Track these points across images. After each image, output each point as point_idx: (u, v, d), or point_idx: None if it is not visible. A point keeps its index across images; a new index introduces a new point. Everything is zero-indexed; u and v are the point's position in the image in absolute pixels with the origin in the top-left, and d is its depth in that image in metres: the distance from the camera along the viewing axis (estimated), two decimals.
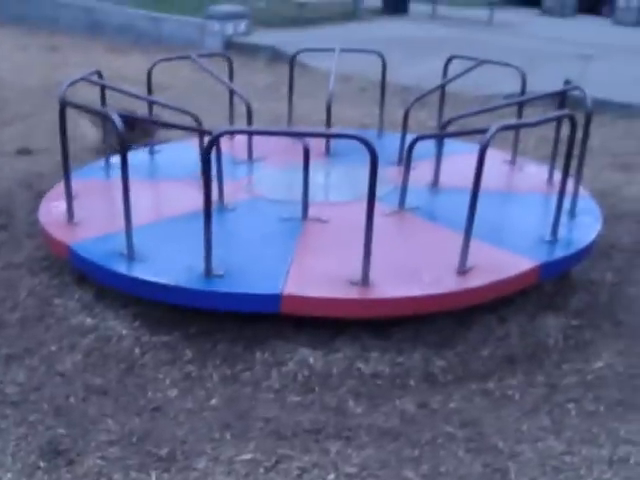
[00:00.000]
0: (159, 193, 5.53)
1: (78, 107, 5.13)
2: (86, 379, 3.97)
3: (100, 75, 5.55)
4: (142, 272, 4.28)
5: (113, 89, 5.76)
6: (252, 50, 12.04)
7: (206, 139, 5.23)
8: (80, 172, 5.59)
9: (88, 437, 3.49)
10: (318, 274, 4.22)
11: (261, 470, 3.29)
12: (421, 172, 5.37)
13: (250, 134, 5.98)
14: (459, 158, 5.65)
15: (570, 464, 3.37)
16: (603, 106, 8.61)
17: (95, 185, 5.54)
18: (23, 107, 9.24)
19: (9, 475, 3.26)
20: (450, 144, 5.64)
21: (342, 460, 3.35)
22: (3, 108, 9.19)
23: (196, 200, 5.19)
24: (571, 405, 3.81)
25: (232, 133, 5.90)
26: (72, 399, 3.80)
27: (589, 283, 5.02)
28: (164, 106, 5.94)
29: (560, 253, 4.52)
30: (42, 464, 3.32)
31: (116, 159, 5.90)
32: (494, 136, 4.12)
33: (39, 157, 7.41)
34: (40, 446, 3.43)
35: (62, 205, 5.03)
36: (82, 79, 5.26)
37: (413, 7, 17.15)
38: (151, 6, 15.19)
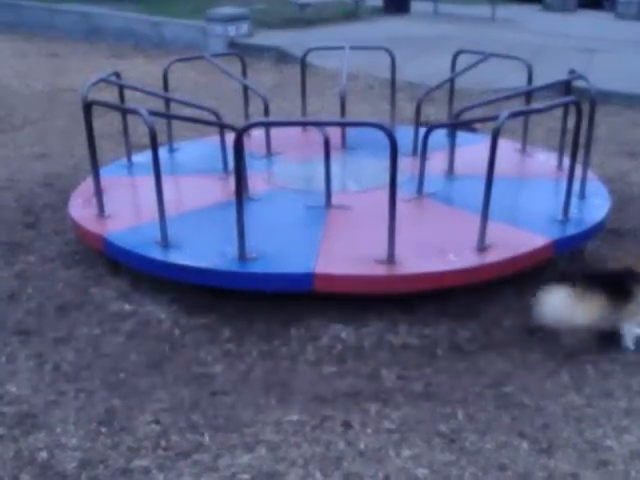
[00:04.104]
0: (182, 187, 5.77)
1: (104, 105, 5.39)
2: (132, 358, 4.22)
3: (119, 76, 5.78)
4: (180, 258, 4.54)
5: (134, 89, 6.01)
6: (256, 51, 12.23)
7: (227, 135, 5.53)
8: (104, 170, 5.78)
9: (142, 406, 3.76)
10: (346, 255, 4.49)
11: (308, 428, 3.57)
12: (435, 162, 5.63)
13: (277, 125, 6.25)
14: (471, 148, 5.95)
15: (591, 415, 3.68)
16: (609, 97, 8.83)
17: (119, 182, 5.79)
18: (31, 112, 9.44)
19: (74, 440, 3.52)
20: (461, 136, 5.90)
21: (382, 418, 3.64)
22: (12, 114, 9.39)
23: (218, 192, 5.51)
24: (589, 366, 4.10)
25: (260, 125, 6.12)
26: (122, 375, 4.05)
27: (601, 261, 5.27)
28: (185, 104, 6.16)
29: (572, 230, 4.81)
30: (103, 430, 3.58)
31: (137, 158, 6.19)
32: (505, 122, 4.38)
33: (55, 159, 7.64)
34: (99, 414, 3.70)
35: (91, 201, 5.27)
36: (102, 80, 5.50)
37: (414, 6, 17.09)
38: (146, 10, 15.28)
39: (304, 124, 6.64)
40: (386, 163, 4.21)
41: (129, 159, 6.23)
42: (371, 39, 11.61)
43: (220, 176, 5.73)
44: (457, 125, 5.53)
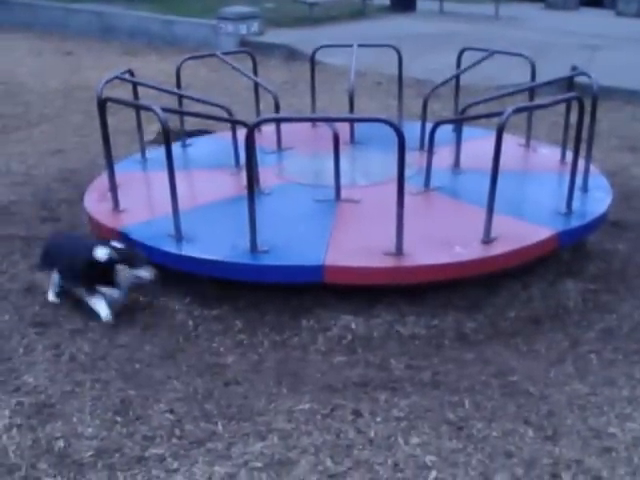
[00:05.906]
0: (194, 182, 5.87)
1: (119, 102, 5.47)
2: (147, 349, 4.32)
3: (132, 74, 5.87)
4: (193, 251, 4.63)
5: (147, 86, 6.09)
6: (267, 49, 12.37)
7: (239, 130, 5.62)
8: (118, 165, 5.85)
9: (157, 396, 3.86)
10: (356, 247, 4.57)
11: (319, 417, 3.66)
12: (441, 156, 5.70)
13: (287, 121, 6.35)
14: (476, 143, 6.02)
15: (594, 403, 3.77)
16: (610, 92, 8.88)
17: (133, 177, 5.87)
18: (47, 109, 9.61)
19: (90, 430, 3.61)
20: (466, 131, 5.96)
21: (391, 406, 3.73)
22: (28, 110, 9.56)
23: (229, 187, 5.59)
24: (592, 355, 4.20)
25: (271, 121, 6.23)
26: (137, 365, 4.15)
27: (603, 253, 5.38)
28: (197, 100, 6.23)
29: (575, 223, 4.90)
30: (119, 419, 3.68)
31: (151, 154, 6.28)
32: (510, 118, 4.46)
33: (71, 155, 7.76)
34: (114, 404, 3.79)
35: (106, 195, 5.37)
36: (117, 77, 5.58)
37: (420, 4, 17.23)
38: (158, 9, 15.45)
39: (314, 120, 6.73)
40: (394, 157, 4.29)
41: (143, 155, 6.32)
42: (379, 36, 11.70)
43: (232, 171, 5.82)
44: (463, 120, 5.60)
